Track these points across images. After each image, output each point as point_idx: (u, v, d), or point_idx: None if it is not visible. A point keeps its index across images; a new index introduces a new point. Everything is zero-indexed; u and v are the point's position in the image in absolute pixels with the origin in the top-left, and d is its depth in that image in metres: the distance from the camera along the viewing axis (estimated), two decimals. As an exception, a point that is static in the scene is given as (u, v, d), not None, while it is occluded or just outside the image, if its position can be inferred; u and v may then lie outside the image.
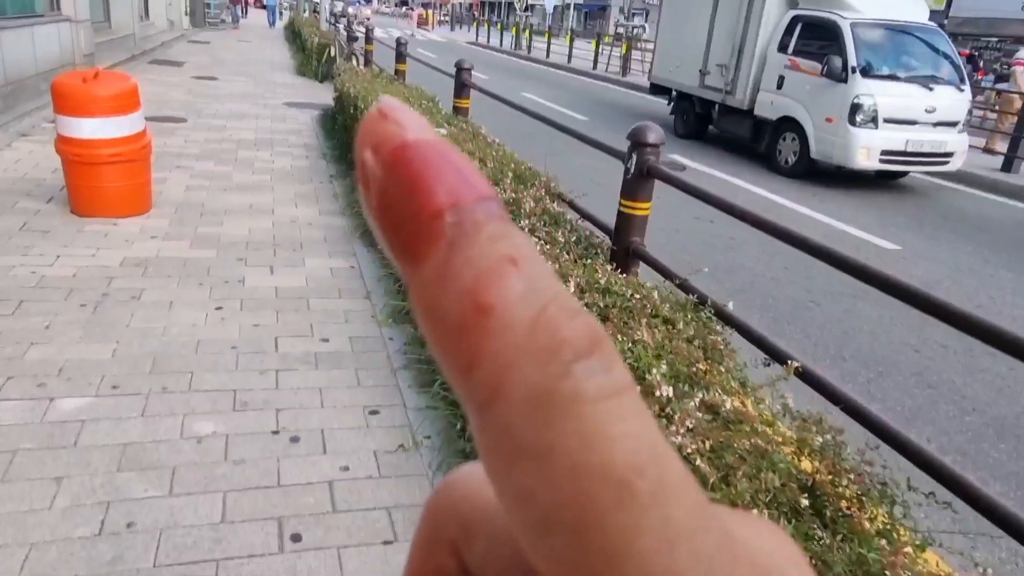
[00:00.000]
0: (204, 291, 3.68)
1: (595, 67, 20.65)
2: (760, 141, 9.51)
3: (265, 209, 5.08)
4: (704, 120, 10.95)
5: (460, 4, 52.21)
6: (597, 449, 0.12)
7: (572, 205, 3.70)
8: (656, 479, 0.12)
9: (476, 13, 53.18)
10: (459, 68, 5.59)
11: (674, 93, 11.76)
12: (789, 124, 8.89)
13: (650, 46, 18.00)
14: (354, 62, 11.74)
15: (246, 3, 28.90)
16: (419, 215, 0.13)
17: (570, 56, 22.40)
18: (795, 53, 8.83)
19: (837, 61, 8.04)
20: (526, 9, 55.00)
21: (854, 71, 8.01)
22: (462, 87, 5.60)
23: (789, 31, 8.95)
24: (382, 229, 0.14)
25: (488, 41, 30.84)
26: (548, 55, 23.66)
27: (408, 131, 0.14)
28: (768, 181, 8.57)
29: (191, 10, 21.67)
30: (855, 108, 7.98)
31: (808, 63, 8.58)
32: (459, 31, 43.40)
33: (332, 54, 12.13)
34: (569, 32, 22.80)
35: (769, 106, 9.19)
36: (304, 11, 24.64)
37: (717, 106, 10.30)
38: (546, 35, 24.47)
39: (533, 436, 0.12)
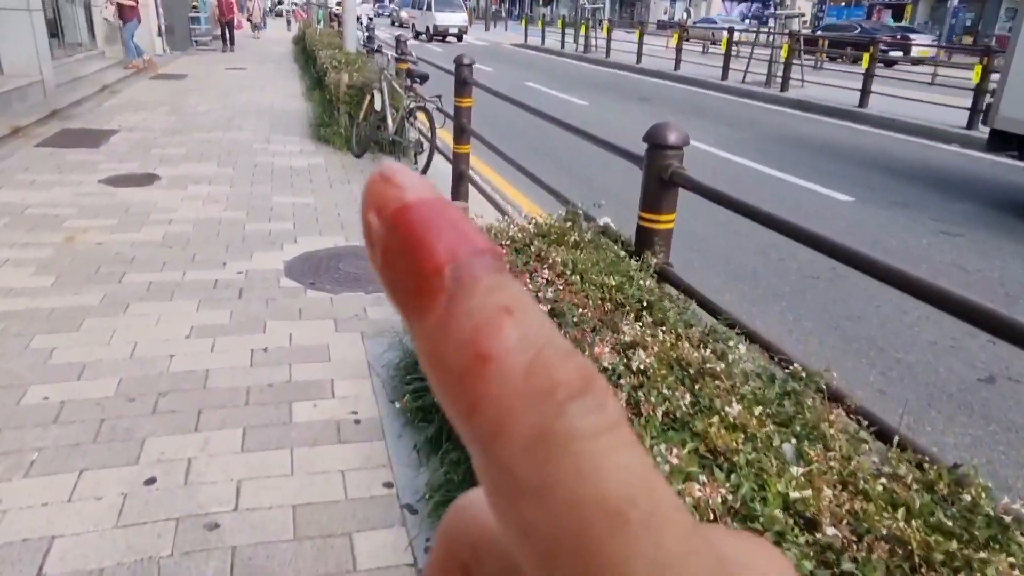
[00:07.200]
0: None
1: (725, 77, 14.74)
2: None
3: None
4: None
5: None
6: (592, 482, 0.12)
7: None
8: (648, 508, 0.12)
9: (496, 7, 46.91)
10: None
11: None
12: None
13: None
14: (423, 126, 6.01)
15: (225, 24, 17.99)
16: (421, 272, 0.14)
17: (678, 62, 16.47)
18: None
19: None
20: (548, 2, 46.72)
21: None
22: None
23: None
24: (387, 286, 0.14)
25: (543, 42, 24.91)
26: (639, 59, 17.75)
27: (408, 192, 0.14)
28: None
29: (168, 28, 15.96)
30: None
31: None
32: (494, 30, 37.48)
33: (378, 107, 6.41)
34: (678, 32, 16.74)
35: None
36: (318, 20, 18.37)
37: None
38: (637, 33, 18.54)
39: (533, 473, 0.12)
